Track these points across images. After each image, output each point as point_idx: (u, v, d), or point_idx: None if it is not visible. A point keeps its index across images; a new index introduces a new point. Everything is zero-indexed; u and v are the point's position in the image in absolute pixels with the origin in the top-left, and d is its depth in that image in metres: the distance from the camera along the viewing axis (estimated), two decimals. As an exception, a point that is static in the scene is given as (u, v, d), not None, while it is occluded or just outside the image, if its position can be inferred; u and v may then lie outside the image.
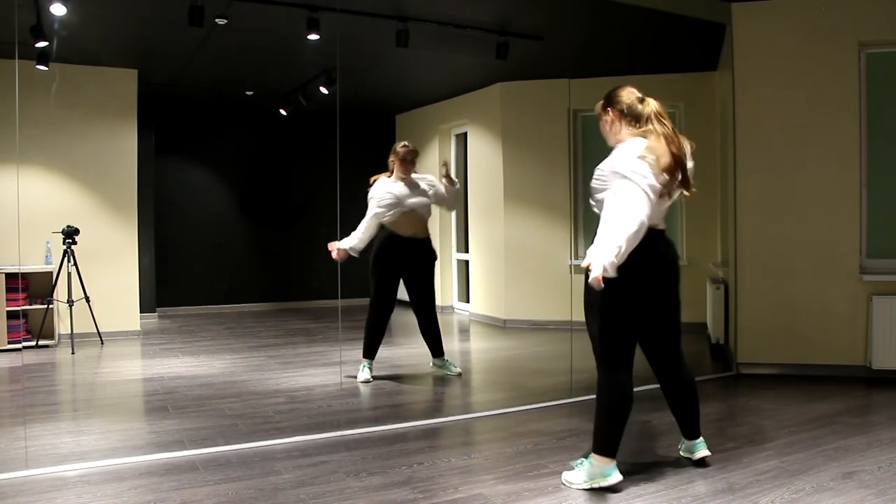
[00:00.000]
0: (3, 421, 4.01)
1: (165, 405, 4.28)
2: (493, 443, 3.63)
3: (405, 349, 6.04)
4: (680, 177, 2.85)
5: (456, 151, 8.30)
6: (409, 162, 4.88)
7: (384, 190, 4.84)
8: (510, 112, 7.35)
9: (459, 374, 5.08)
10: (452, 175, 5.01)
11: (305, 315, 8.02)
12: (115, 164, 6.51)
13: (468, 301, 7.92)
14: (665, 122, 2.90)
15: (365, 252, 4.89)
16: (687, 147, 2.93)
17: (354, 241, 4.83)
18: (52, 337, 5.89)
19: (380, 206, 4.81)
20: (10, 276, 5.60)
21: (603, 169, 2.86)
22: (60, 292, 5.90)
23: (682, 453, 3.23)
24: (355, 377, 4.89)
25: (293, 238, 8.50)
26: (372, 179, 4.96)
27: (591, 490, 2.86)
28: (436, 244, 5.18)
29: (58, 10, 4.80)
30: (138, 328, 6.64)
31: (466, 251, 7.98)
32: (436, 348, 5.08)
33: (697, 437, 3.15)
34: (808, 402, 4.23)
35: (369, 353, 4.93)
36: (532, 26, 5.63)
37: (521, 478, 3.03)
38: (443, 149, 8.27)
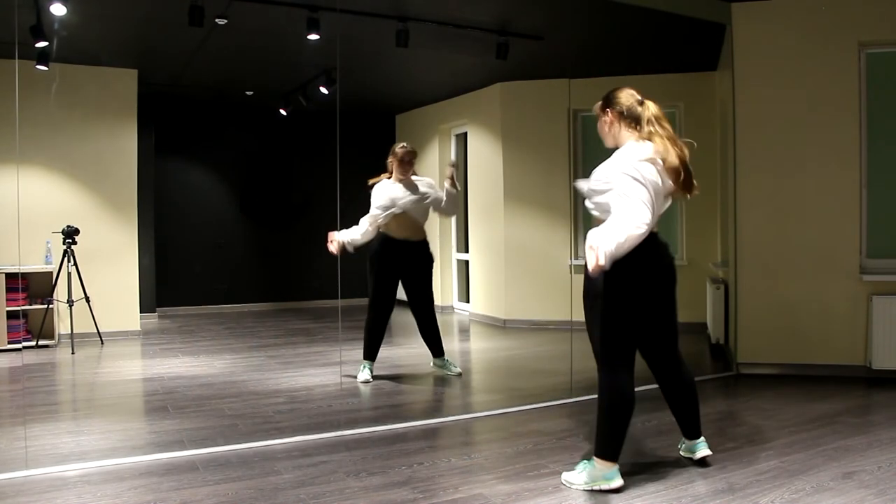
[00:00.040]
0: (3, 421, 4.01)
1: (165, 405, 4.28)
2: (493, 443, 3.63)
3: (405, 349, 6.04)
4: (683, 179, 2.85)
5: (456, 151, 8.30)
6: (407, 163, 4.87)
7: (381, 191, 4.87)
8: (510, 112, 7.35)
9: (459, 374, 5.08)
10: (456, 179, 4.99)
11: (305, 315, 8.02)
12: (115, 164, 6.51)
13: (468, 301, 7.92)
14: (665, 125, 2.90)
15: (360, 250, 4.89)
16: (686, 150, 2.93)
17: (353, 235, 4.83)
18: (52, 337, 5.89)
19: (376, 208, 4.83)
20: (10, 276, 5.60)
21: (604, 171, 2.86)
22: (60, 292, 5.90)
23: (682, 453, 3.23)
24: (355, 377, 4.89)
25: (293, 238, 8.50)
26: (371, 182, 4.96)
27: (591, 490, 2.86)
28: (436, 244, 5.18)
29: (58, 10, 4.80)
30: (138, 328, 6.64)
31: (466, 251, 7.97)
32: (436, 349, 5.08)
33: (698, 437, 3.15)
34: (808, 402, 4.23)
35: (370, 355, 4.93)
36: (532, 26, 5.63)
37: (521, 478, 3.03)
38: (443, 149, 8.27)
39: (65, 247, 5.84)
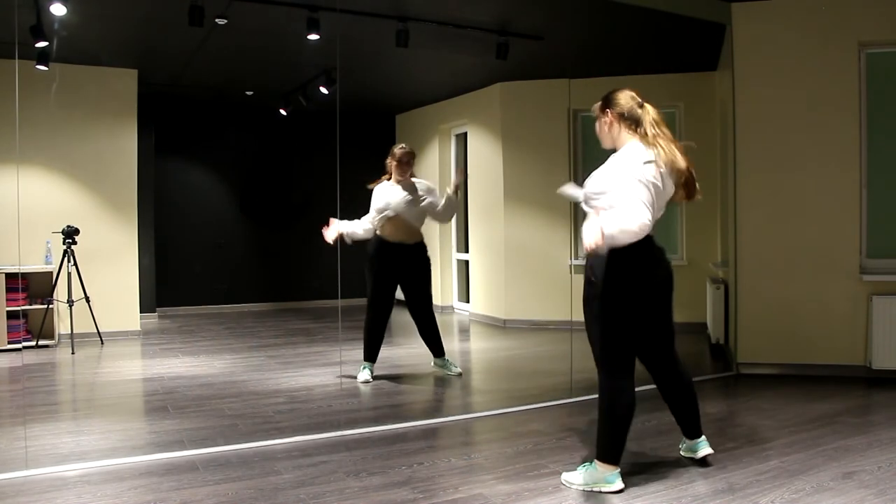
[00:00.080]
0: (3, 421, 4.01)
1: (165, 405, 4.28)
2: (493, 443, 3.63)
3: (405, 349, 6.04)
4: (688, 183, 2.85)
5: (456, 151, 8.30)
6: (406, 163, 4.86)
7: (378, 193, 4.88)
8: (510, 112, 7.35)
9: (459, 374, 5.08)
10: (460, 189, 4.98)
11: (305, 315, 8.02)
12: (115, 164, 6.51)
13: (468, 301, 7.92)
14: (665, 129, 2.90)
15: (359, 250, 4.89)
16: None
17: (355, 228, 4.83)
18: (52, 337, 5.89)
19: (373, 209, 4.85)
20: (10, 276, 5.61)
21: (604, 172, 2.85)
22: (60, 292, 5.90)
23: (682, 453, 3.23)
24: (355, 377, 4.89)
25: (293, 238, 8.50)
26: (370, 186, 4.95)
27: (591, 491, 2.86)
28: (436, 244, 5.18)
29: (58, 10, 4.80)
30: (138, 328, 6.64)
31: (466, 251, 7.98)
32: (436, 349, 5.08)
33: (699, 436, 3.15)
34: (808, 402, 4.23)
35: (370, 356, 4.93)
36: (532, 26, 5.63)
37: (521, 478, 3.03)
38: (443, 149, 8.27)
39: (65, 247, 5.85)
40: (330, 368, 5.26)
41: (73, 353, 5.73)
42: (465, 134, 7.99)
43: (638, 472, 3.06)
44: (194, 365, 5.45)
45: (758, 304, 5.00)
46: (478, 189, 7.73)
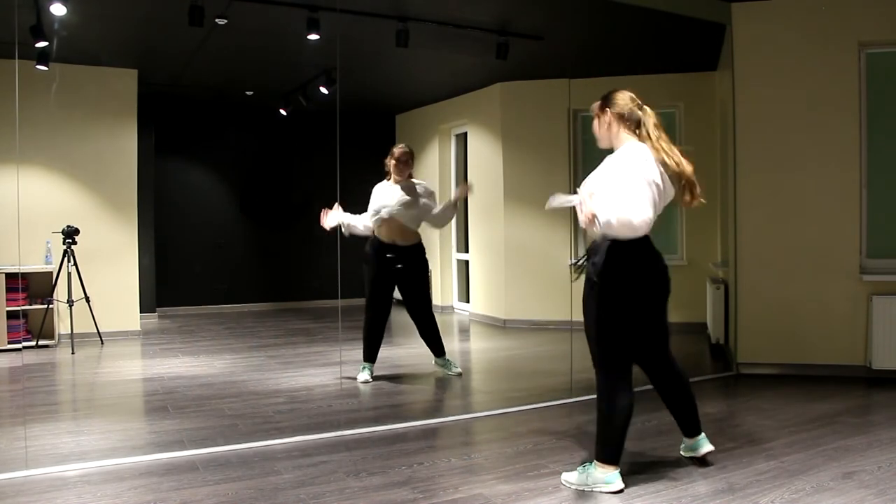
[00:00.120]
0: (3, 421, 4.01)
1: (165, 405, 4.28)
2: (493, 443, 3.63)
3: (405, 349, 6.04)
4: (692, 188, 2.86)
5: (456, 151, 8.31)
6: (404, 163, 4.85)
7: (375, 193, 4.88)
8: (510, 112, 7.35)
9: (460, 374, 5.07)
10: (460, 200, 4.98)
11: (305, 315, 8.03)
12: (115, 164, 6.51)
13: (468, 301, 7.92)
14: (664, 132, 2.90)
15: (358, 250, 4.89)
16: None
17: (355, 222, 4.82)
18: (52, 337, 5.89)
19: (369, 209, 4.85)
20: (10, 276, 5.61)
21: (604, 173, 2.85)
22: (60, 292, 5.90)
23: (683, 453, 3.23)
24: (355, 378, 4.89)
25: (293, 238, 8.51)
26: (374, 189, 4.96)
27: (591, 491, 2.86)
28: (436, 244, 5.17)
29: (58, 10, 4.80)
30: (138, 328, 6.64)
31: (466, 251, 7.98)
32: (437, 349, 5.08)
33: (699, 434, 3.15)
34: (808, 402, 4.23)
35: (370, 357, 4.92)
36: (532, 26, 5.63)
37: (521, 478, 3.03)
38: (443, 149, 8.28)
39: (65, 247, 5.84)
40: (330, 368, 5.26)
41: (73, 353, 5.73)
42: (465, 134, 7.99)
43: (638, 472, 3.05)
44: (194, 365, 5.45)
45: (758, 304, 5.01)
46: (478, 189, 7.70)
